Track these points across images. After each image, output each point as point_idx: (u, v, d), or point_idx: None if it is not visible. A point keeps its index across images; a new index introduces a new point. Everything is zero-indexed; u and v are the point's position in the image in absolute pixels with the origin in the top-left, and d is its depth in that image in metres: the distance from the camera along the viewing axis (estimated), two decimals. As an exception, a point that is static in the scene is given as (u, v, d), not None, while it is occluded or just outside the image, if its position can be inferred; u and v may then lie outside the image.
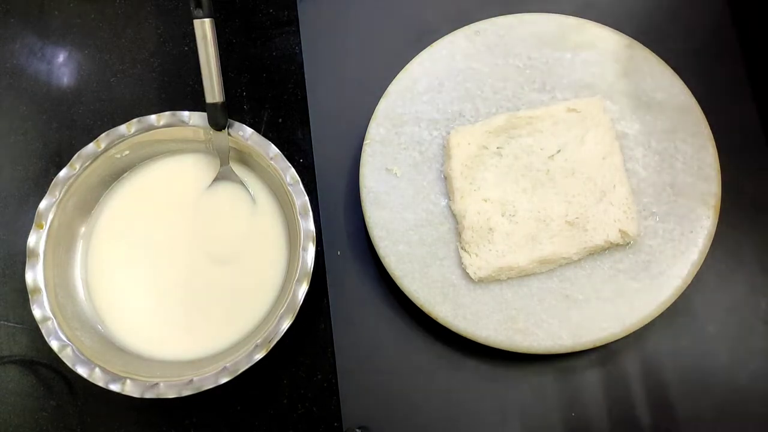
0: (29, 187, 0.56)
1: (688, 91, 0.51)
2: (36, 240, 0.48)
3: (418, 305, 0.48)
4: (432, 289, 0.48)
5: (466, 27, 0.53)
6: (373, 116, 0.52)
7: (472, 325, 0.47)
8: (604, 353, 0.49)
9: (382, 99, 0.52)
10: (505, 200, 0.49)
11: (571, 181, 0.48)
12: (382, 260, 0.49)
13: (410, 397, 0.49)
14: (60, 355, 0.46)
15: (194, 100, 0.56)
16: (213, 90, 0.50)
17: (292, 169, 0.49)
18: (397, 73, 0.52)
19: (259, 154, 0.50)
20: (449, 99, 0.52)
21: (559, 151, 0.49)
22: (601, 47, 0.52)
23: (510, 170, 0.50)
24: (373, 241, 0.49)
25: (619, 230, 0.47)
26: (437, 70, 0.52)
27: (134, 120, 0.51)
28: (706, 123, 0.50)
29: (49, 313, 0.47)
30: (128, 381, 0.45)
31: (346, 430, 0.48)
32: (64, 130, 0.57)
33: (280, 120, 0.56)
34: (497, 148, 0.50)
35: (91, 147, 0.50)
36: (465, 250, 0.48)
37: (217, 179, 0.52)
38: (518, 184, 0.49)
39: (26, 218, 0.53)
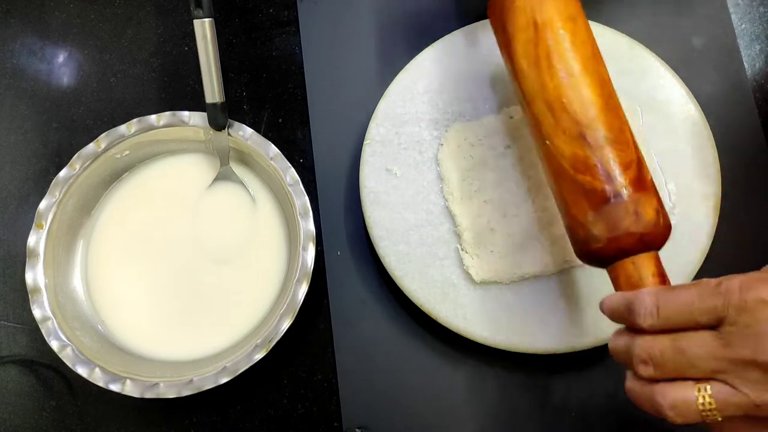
0: (29, 187, 0.56)
1: (688, 91, 0.51)
2: (36, 240, 0.48)
3: (418, 305, 0.48)
4: (432, 289, 0.48)
5: (466, 27, 0.53)
6: (373, 116, 0.52)
7: (472, 325, 0.47)
8: (604, 353, 0.49)
9: (382, 99, 0.52)
10: (507, 201, 0.49)
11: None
12: (382, 260, 0.49)
13: (410, 397, 0.49)
14: (60, 355, 0.46)
15: (194, 100, 0.56)
16: (213, 90, 0.50)
17: (292, 169, 0.49)
18: (397, 73, 0.52)
19: (259, 154, 0.50)
20: (449, 99, 0.52)
21: None
22: (601, 47, 0.52)
23: (512, 170, 0.50)
24: (373, 241, 0.49)
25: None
26: (437, 70, 0.52)
27: (134, 120, 0.51)
28: (706, 123, 0.50)
29: (49, 313, 0.47)
30: (128, 381, 0.45)
31: (346, 430, 0.48)
32: (64, 130, 0.57)
33: (280, 120, 0.56)
34: (500, 148, 0.50)
35: (91, 147, 0.50)
36: (466, 252, 0.48)
37: (217, 179, 0.52)
38: (521, 184, 0.49)
39: (26, 218, 0.53)
